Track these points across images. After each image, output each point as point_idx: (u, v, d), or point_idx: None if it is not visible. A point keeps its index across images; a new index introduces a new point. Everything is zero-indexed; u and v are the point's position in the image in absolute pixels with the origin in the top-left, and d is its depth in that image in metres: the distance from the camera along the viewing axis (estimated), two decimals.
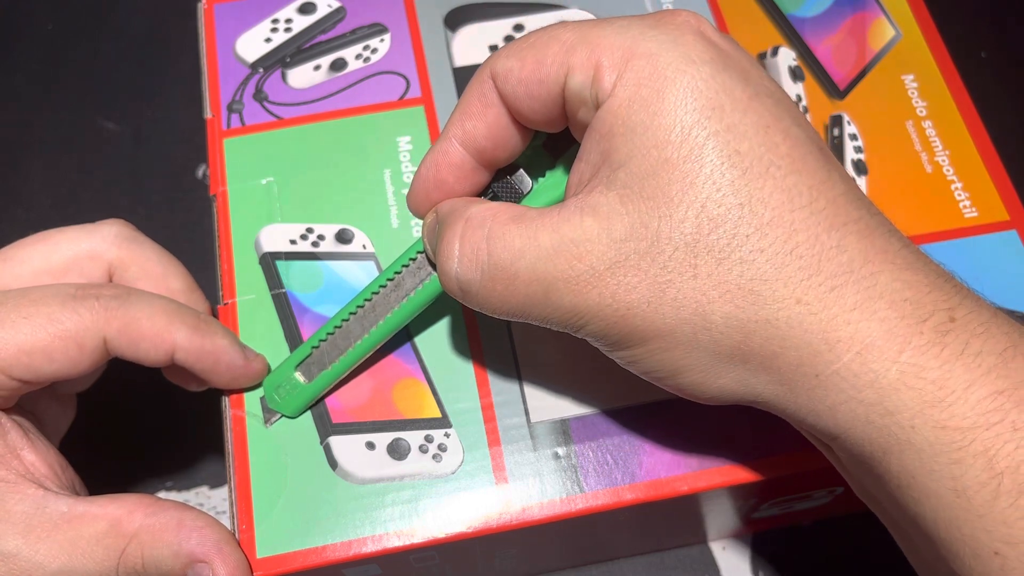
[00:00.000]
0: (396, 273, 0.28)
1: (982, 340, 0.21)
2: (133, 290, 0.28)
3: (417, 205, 0.27)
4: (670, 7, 0.37)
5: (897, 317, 0.21)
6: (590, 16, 0.36)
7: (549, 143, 0.27)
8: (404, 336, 0.30)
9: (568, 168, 0.27)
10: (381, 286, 0.28)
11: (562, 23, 0.24)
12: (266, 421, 0.29)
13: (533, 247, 0.23)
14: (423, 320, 0.31)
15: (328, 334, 0.29)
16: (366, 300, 0.28)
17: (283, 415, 0.29)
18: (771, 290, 0.21)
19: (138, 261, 0.29)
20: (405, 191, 0.33)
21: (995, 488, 0.19)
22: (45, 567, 0.25)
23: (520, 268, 0.23)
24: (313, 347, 0.29)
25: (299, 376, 0.29)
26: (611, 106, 0.22)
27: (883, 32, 0.36)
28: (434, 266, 0.27)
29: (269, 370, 0.30)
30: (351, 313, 0.29)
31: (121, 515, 0.26)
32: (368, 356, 0.29)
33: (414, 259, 0.28)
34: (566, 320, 0.23)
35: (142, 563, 0.25)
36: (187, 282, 0.30)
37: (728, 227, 0.21)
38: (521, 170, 0.27)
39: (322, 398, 0.29)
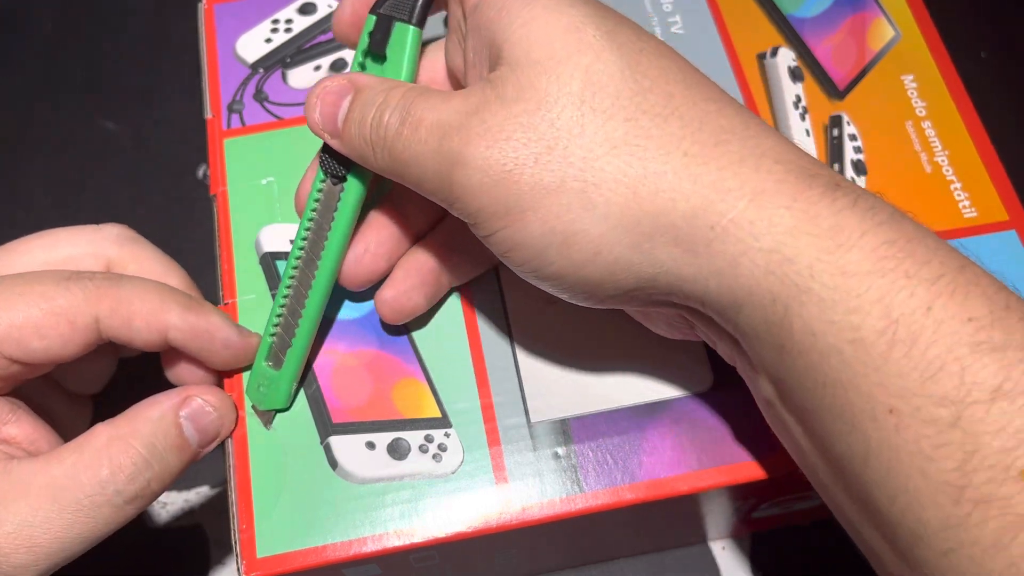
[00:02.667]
0: (310, 221, 0.28)
1: (870, 201, 0.21)
2: (126, 276, 0.28)
3: (348, 15, 0.29)
4: (670, 6, 0.37)
5: (784, 171, 0.22)
6: None
7: (374, 37, 0.28)
8: (404, 336, 0.31)
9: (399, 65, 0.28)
10: (300, 246, 0.28)
11: None
12: (265, 424, 0.29)
13: (444, 104, 0.24)
14: (423, 320, 0.31)
15: (278, 316, 0.29)
16: (295, 268, 0.29)
17: (276, 410, 0.29)
18: (656, 144, 0.22)
19: (137, 260, 0.30)
20: None
21: (891, 337, 0.20)
22: (16, 522, 0.25)
23: (427, 116, 0.24)
24: (271, 335, 0.29)
25: (269, 367, 0.29)
26: (489, 1, 0.24)
27: (883, 32, 0.36)
28: (340, 179, 0.28)
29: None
30: (288, 286, 0.29)
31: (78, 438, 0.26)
32: (322, 313, 0.29)
33: (318, 199, 0.28)
34: (451, 171, 0.23)
35: (139, 458, 0.26)
36: (185, 283, 0.30)
37: (611, 89, 0.23)
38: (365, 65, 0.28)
39: (304, 377, 0.29)
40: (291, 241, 0.32)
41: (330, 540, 0.27)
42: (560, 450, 0.29)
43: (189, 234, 0.44)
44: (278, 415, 0.29)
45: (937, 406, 0.19)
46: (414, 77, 0.28)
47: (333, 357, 0.30)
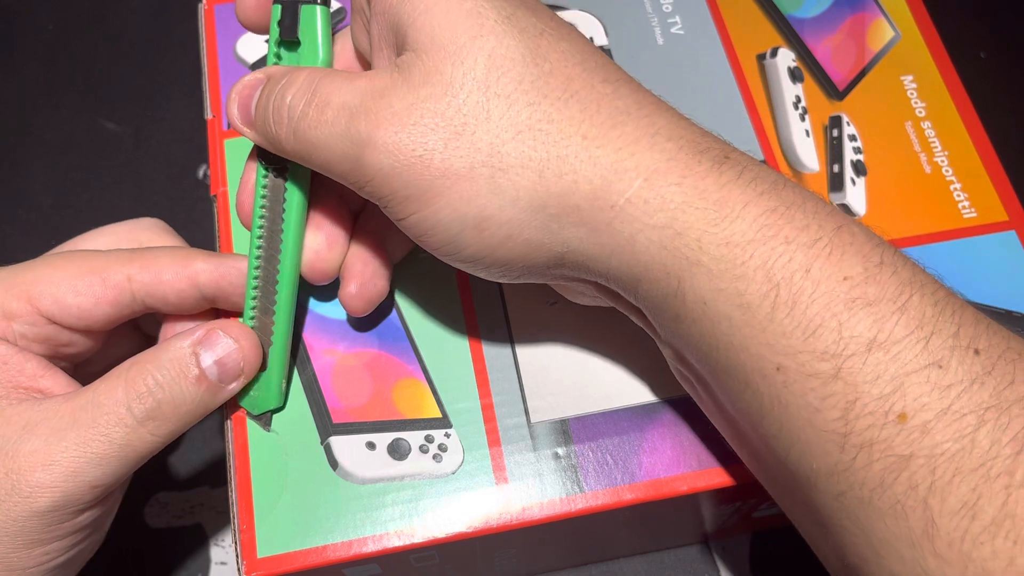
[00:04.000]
0: (261, 219, 0.29)
1: (755, 172, 0.23)
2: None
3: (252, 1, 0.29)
4: (670, 7, 0.37)
5: (676, 149, 0.23)
6: (590, 16, 0.37)
7: (283, 25, 0.28)
8: (404, 336, 0.31)
9: (313, 45, 0.28)
10: (258, 245, 0.29)
11: None
12: (264, 427, 0.29)
13: (349, 84, 0.24)
14: (423, 320, 0.31)
15: (251, 320, 0.29)
16: (257, 268, 0.29)
17: (272, 411, 0.29)
18: (557, 128, 0.23)
19: (165, 243, 0.31)
20: None
21: (773, 299, 0.21)
22: (48, 450, 0.25)
23: (333, 98, 0.24)
24: None
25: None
26: None
27: (882, 33, 0.36)
28: (281, 169, 0.28)
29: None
30: (255, 287, 0.29)
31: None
32: (295, 305, 0.29)
33: (264, 195, 0.28)
34: (360, 154, 0.23)
35: (151, 380, 0.26)
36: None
37: (514, 74, 0.23)
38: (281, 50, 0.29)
39: (291, 373, 0.30)
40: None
41: (330, 540, 0.27)
42: (560, 450, 0.29)
43: (189, 234, 0.43)
44: (277, 416, 0.29)
45: (819, 360, 0.21)
46: (331, 56, 0.28)
47: (333, 357, 0.30)
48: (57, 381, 0.28)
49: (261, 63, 0.36)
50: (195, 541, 0.38)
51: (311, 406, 0.29)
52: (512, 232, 0.23)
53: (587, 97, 0.23)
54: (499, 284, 0.31)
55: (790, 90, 0.35)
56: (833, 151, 0.34)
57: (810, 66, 0.35)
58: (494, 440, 0.29)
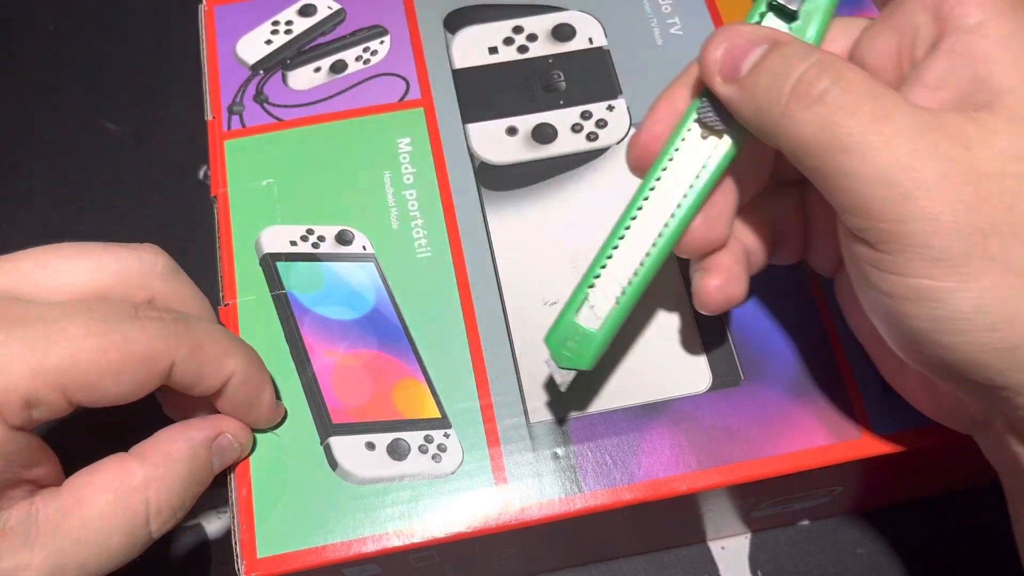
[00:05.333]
0: (663, 170, 0.26)
1: None
2: (190, 315, 0.27)
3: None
4: (669, 8, 0.37)
5: None
6: (590, 17, 0.37)
7: None
8: (404, 336, 0.31)
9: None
10: (645, 196, 0.26)
11: None
12: (560, 386, 0.27)
13: (906, 107, 0.21)
14: (423, 320, 0.31)
15: (602, 267, 0.26)
16: (632, 219, 0.26)
17: (578, 370, 0.27)
18: None
19: (180, 298, 0.28)
20: (405, 192, 0.33)
21: None
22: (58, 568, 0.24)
23: (888, 104, 0.21)
24: (589, 287, 0.26)
25: (583, 323, 0.26)
26: (989, 32, 0.21)
27: None
28: (716, 132, 0.25)
29: (286, 415, 0.29)
30: (620, 237, 0.26)
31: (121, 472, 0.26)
32: (653, 279, 0.26)
33: (678, 149, 0.26)
34: (907, 192, 0.20)
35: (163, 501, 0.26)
36: (212, 320, 0.30)
37: None
38: None
39: (613, 338, 0.27)
40: (293, 242, 0.32)
41: (330, 540, 0.27)
42: (559, 450, 0.29)
43: (189, 235, 0.44)
44: (281, 427, 0.29)
45: None
46: (822, 43, 0.25)
47: (333, 357, 0.30)
48: (46, 465, 0.25)
49: (261, 64, 0.36)
50: (195, 541, 0.38)
51: (311, 406, 0.29)
52: (1003, 344, 0.20)
53: None
54: (497, 283, 0.31)
55: None
56: None
57: None
58: (493, 440, 0.29)
